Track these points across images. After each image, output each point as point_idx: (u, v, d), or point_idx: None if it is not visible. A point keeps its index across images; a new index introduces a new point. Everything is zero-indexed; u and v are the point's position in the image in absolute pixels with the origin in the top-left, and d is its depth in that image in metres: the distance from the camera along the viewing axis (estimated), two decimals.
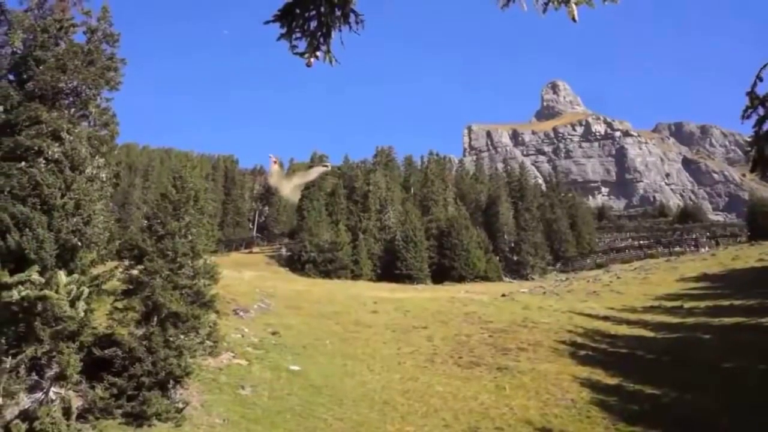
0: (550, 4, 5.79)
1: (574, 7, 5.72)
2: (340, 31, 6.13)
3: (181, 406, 23.99)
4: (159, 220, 27.85)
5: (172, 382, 24.52)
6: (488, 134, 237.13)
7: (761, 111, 5.23)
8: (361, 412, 26.13)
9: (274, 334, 36.19)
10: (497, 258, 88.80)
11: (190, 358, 25.10)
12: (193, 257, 27.53)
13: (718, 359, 32.13)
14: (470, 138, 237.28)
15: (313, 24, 6.07)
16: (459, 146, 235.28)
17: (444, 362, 33.72)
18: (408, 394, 28.61)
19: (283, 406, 26.11)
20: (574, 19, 5.82)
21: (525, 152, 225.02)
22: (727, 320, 40.95)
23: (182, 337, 25.31)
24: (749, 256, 69.32)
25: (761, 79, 5.13)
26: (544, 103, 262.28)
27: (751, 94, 5.17)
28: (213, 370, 28.81)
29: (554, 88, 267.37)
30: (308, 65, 6.20)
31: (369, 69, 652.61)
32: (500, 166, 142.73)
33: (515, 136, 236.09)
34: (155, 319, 25.22)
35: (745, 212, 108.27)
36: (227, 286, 39.04)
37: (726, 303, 46.23)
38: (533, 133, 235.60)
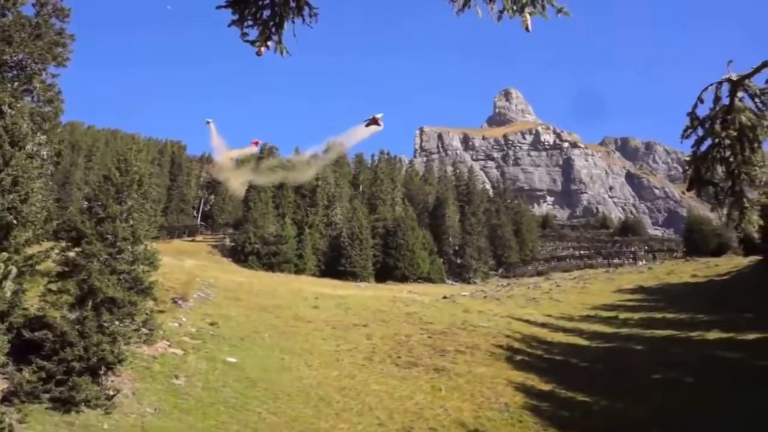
0: (505, 12, 5.82)
1: (528, 17, 5.77)
2: (293, 22, 6.05)
3: (111, 393, 23.51)
4: (100, 203, 27.23)
5: (103, 368, 24.00)
6: (440, 137, 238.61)
7: (700, 132, 5.36)
8: (295, 407, 26.02)
9: (212, 324, 35.74)
10: (441, 260, 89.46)
11: (124, 345, 24.62)
12: (134, 242, 27.00)
13: (648, 370, 33.06)
14: (422, 139, 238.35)
15: (266, 13, 5.98)
16: (410, 147, 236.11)
17: (382, 361, 33.82)
18: (344, 391, 28.61)
19: (217, 398, 25.81)
20: (527, 29, 5.86)
21: (475, 157, 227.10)
22: (659, 332, 42.15)
23: (117, 323, 24.81)
24: (684, 271, 71.44)
25: (702, 101, 5.26)
26: (497, 110, 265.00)
27: (692, 115, 5.30)
28: (147, 359, 28.30)
29: (507, 95, 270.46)
30: (258, 54, 6.12)
31: (324, 63, 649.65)
32: (450, 169, 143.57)
33: (466, 141, 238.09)
34: (90, 303, 24.64)
35: (683, 229, 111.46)
36: (167, 274, 38.37)
37: (659, 316, 47.58)
38: (484, 138, 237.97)
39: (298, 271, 75.14)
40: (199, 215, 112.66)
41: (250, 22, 5.92)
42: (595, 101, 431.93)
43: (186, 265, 54.22)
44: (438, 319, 44.37)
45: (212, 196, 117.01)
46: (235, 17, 5.85)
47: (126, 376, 25.68)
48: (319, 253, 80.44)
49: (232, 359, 30.67)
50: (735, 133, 5.40)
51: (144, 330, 26.99)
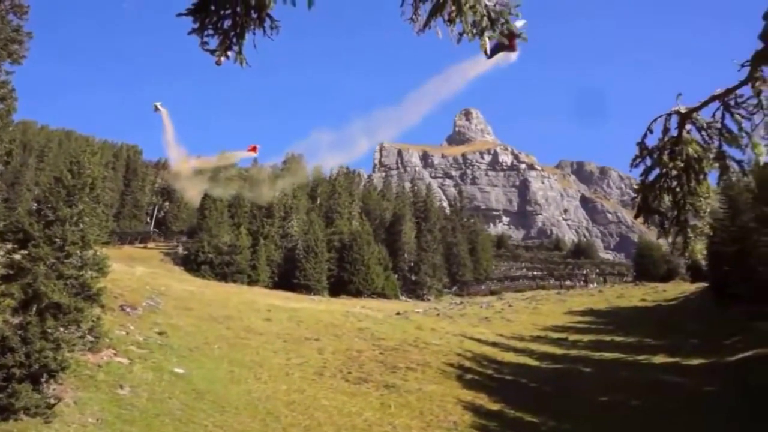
0: (465, 35, 5.88)
1: (487, 40, 5.83)
2: (254, 34, 6.03)
3: (52, 401, 22.85)
4: (50, 205, 26.59)
5: (45, 375, 23.33)
6: (399, 153, 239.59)
7: (649, 161, 5.48)
8: (243, 421, 25.66)
9: (160, 334, 35.11)
10: (396, 276, 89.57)
11: (68, 353, 23.98)
12: (83, 247, 26.41)
13: (596, 392, 33.53)
14: (381, 155, 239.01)
15: (227, 23, 5.94)
16: (370, 161, 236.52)
17: (332, 376, 33.63)
18: (293, 406, 28.34)
19: (162, 410, 25.30)
20: (485, 53, 5.93)
21: (433, 174, 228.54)
22: (607, 355, 42.82)
23: (62, 329, 24.16)
24: (633, 295, 72.85)
25: (651, 132, 5.39)
26: (456, 129, 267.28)
27: (641, 145, 5.43)
28: (91, 367, 27.62)
29: (467, 115, 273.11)
30: (218, 63, 6.08)
31: (286, 76, 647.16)
32: (408, 185, 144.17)
33: (425, 158, 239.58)
34: (34, 308, 23.97)
35: (634, 253, 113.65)
36: (116, 281, 37.65)
37: (608, 339, 48.34)
38: (443, 156, 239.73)
39: (252, 282, 74.41)
40: (153, 222, 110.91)
41: (210, 32, 5.88)
42: (554, 124, 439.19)
43: (137, 272, 53.27)
44: (390, 335, 44.34)
45: (167, 203, 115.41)
46: (196, 26, 5.79)
47: (68, 385, 25.00)
48: (274, 265, 79.84)
49: (179, 370, 30.14)
50: (682, 165, 5.54)
51: (89, 337, 26.34)
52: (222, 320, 42.07)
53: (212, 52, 5.96)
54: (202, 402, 26.92)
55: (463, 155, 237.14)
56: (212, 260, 75.86)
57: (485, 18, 5.78)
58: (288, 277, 76.38)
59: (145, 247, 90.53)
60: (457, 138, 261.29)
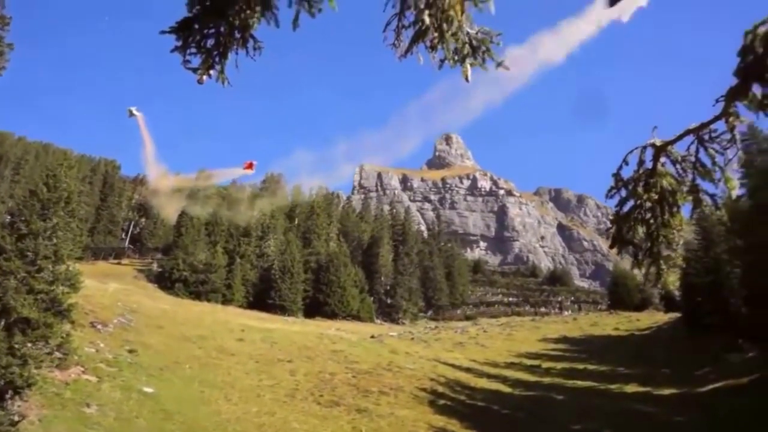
0: (447, 61, 5.92)
1: (468, 68, 5.88)
2: (236, 54, 6.03)
3: (16, 419, 22.38)
4: (23, 218, 26.27)
5: (10, 392, 22.86)
6: (379, 175, 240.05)
7: (624, 193, 5.52)
8: None
9: (131, 352, 34.59)
10: (372, 299, 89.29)
11: (35, 369, 23.54)
12: (55, 262, 26.07)
13: (568, 420, 33.52)
14: (361, 176, 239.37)
15: (210, 42, 5.93)
16: (349, 183, 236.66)
17: (304, 399, 33.31)
18: (263, 428, 28.00)
19: (129, 430, 24.87)
20: (467, 79, 5.97)
21: (412, 198, 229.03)
22: (580, 383, 42.93)
23: (30, 345, 23.74)
24: (607, 323, 73.29)
25: (627, 163, 5.45)
26: (437, 153, 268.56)
27: (616, 176, 5.47)
28: (58, 384, 27.10)
29: (447, 140, 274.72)
30: (200, 82, 6.06)
31: (268, 95, 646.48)
32: (386, 208, 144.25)
33: (405, 181, 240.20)
34: (2, 322, 23.56)
35: (608, 282, 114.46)
36: (88, 297, 37.14)
37: (581, 367, 48.48)
38: (422, 180, 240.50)
39: (226, 301, 73.75)
40: (128, 238, 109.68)
41: (193, 50, 5.86)
42: (533, 153, 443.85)
43: (109, 288, 52.57)
44: (364, 358, 44.08)
45: (143, 219, 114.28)
46: (179, 44, 5.78)
47: (34, 402, 24.50)
48: (249, 285, 79.27)
49: (148, 389, 29.67)
50: (656, 197, 5.58)
51: (58, 354, 25.90)
52: (194, 340, 41.59)
53: (194, 70, 5.94)
54: (170, 422, 26.50)
55: (443, 179, 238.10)
56: (187, 278, 75.12)
57: (467, 45, 5.83)
58: (263, 298, 75.84)
59: (119, 264, 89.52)
60: (437, 162, 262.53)
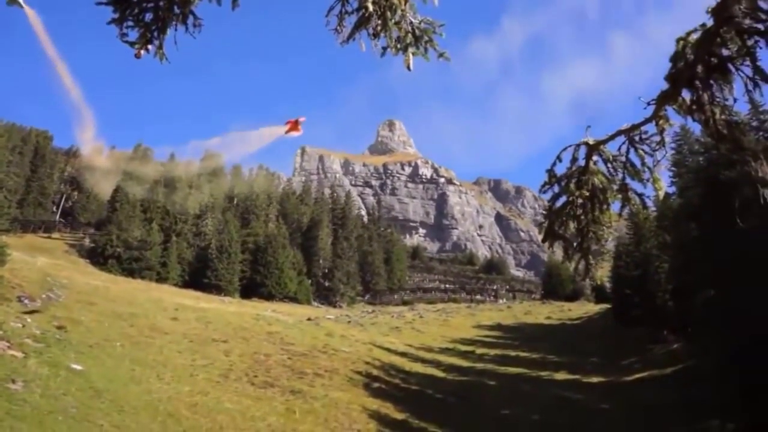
0: (389, 49, 5.97)
1: (410, 56, 5.94)
2: (176, 29, 5.94)
3: None
4: None
5: None
6: (321, 158, 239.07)
7: (556, 189, 5.70)
8: (141, 422, 24.89)
9: (59, 328, 33.68)
10: (309, 281, 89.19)
11: None
12: None
13: (498, 405, 34.35)
14: (302, 159, 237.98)
15: (149, 16, 5.84)
16: (290, 165, 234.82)
17: (238, 379, 33.10)
18: (195, 408, 27.70)
19: (56, 407, 24.24)
20: (408, 68, 6.03)
21: (353, 182, 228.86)
22: (511, 369, 43.97)
23: None
24: (540, 312, 75.11)
25: (561, 160, 5.62)
26: (379, 139, 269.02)
27: (550, 172, 5.64)
28: None
29: (390, 126, 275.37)
30: (137, 56, 5.98)
31: (210, 76, 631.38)
32: (327, 191, 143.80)
33: (346, 165, 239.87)
34: None
35: (543, 272, 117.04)
36: (15, 270, 36.08)
37: (513, 353, 49.62)
38: (364, 165, 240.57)
39: (161, 279, 72.53)
40: (59, 211, 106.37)
41: (130, 23, 5.76)
42: (475, 143, 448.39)
43: (38, 262, 51.03)
44: (300, 340, 44.03)
45: (75, 193, 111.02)
46: (116, 16, 5.67)
47: None
48: (185, 263, 78.12)
49: (77, 366, 28.97)
50: (587, 194, 5.78)
51: None
52: (126, 317, 40.74)
53: (131, 44, 5.83)
54: (99, 400, 25.96)
55: (384, 165, 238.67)
56: (120, 255, 73.52)
57: (410, 35, 5.89)
58: (199, 277, 74.91)
59: (49, 237, 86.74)
60: (379, 148, 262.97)
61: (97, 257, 73.95)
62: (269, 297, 77.04)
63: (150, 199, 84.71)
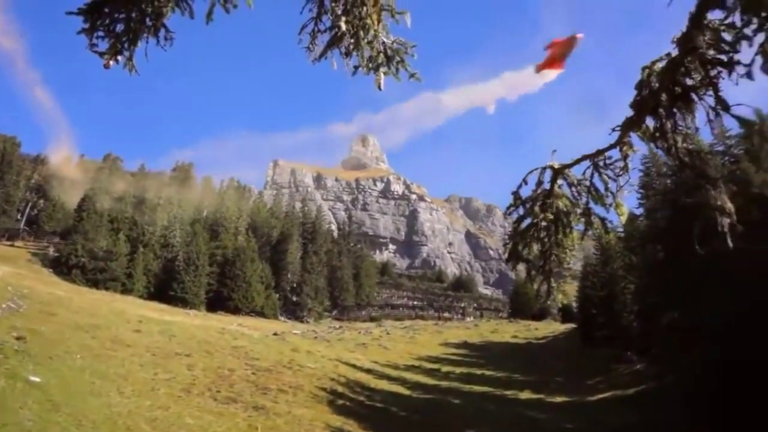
0: (361, 68, 5.97)
1: (381, 76, 5.95)
2: (146, 42, 5.90)
3: None
4: None
5: None
6: (293, 172, 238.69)
7: (521, 211, 5.72)
8: None
9: (18, 339, 32.89)
10: (277, 296, 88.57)
11: None
12: None
13: (462, 424, 34.24)
14: (274, 172, 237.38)
15: (120, 27, 5.78)
16: (262, 178, 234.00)
17: (200, 394, 32.62)
18: (155, 423, 27.20)
19: (11, 420, 23.65)
20: (379, 88, 6.04)
21: (325, 196, 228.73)
22: (477, 388, 43.96)
23: None
24: (506, 331, 75.37)
25: (526, 183, 5.65)
26: (353, 154, 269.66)
27: (515, 195, 5.68)
28: None
29: (364, 141, 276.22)
30: (106, 66, 5.92)
31: (176, 96, 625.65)
32: (298, 205, 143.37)
33: (319, 179, 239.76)
34: None
35: (510, 291, 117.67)
36: None
37: (479, 372, 49.65)
38: (336, 179, 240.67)
39: (126, 291, 71.40)
40: (24, 219, 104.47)
41: (101, 34, 5.70)
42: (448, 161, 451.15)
43: None
44: (265, 355, 43.60)
45: (41, 201, 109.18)
46: (86, 26, 5.61)
47: None
48: (151, 275, 77.06)
49: (35, 378, 28.30)
50: (551, 217, 5.81)
51: None
52: (88, 329, 39.98)
53: (101, 54, 5.76)
54: (57, 414, 25.38)
55: (357, 180, 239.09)
56: (85, 265, 72.26)
57: (381, 54, 5.91)
58: (165, 289, 73.94)
59: (12, 246, 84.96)
60: (352, 162, 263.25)
61: (61, 267, 72.60)
62: (236, 311, 76.30)
63: (118, 209, 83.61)
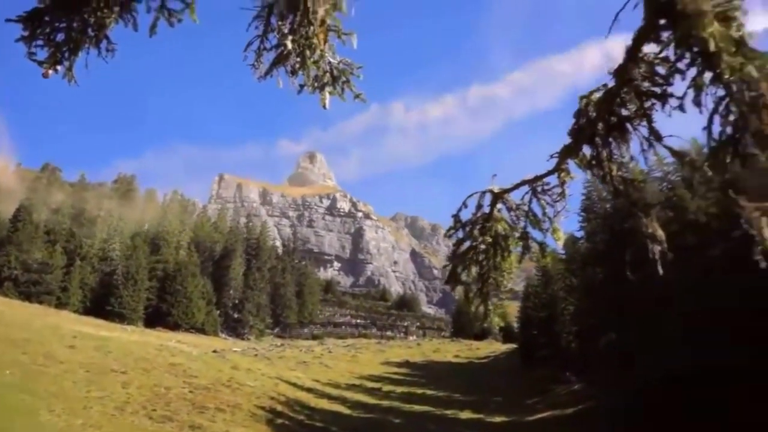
0: (306, 87, 5.98)
1: (327, 95, 5.97)
2: (88, 52, 5.78)
3: None
4: None
5: None
6: (239, 186, 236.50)
7: (461, 234, 5.79)
8: None
9: None
10: (218, 312, 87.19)
11: None
12: None
13: None
14: (219, 186, 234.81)
15: (61, 36, 5.65)
16: (207, 192, 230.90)
17: (135, 413, 31.77)
18: None
19: None
20: (324, 107, 6.05)
21: (270, 212, 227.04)
22: (417, 407, 44.00)
23: None
24: (448, 350, 75.79)
25: (466, 206, 5.72)
26: (299, 170, 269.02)
27: (456, 218, 5.74)
28: None
29: (311, 158, 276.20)
30: (45, 76, 5.76)
31: (129, 98, 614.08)
32: (243, 220, 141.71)
33: (264, 195, 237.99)
34: None
35: (453, 310, 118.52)
36: None
37: (420, 391, 49.73)
38: (282, 195, 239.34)
39: (60, 305, 69.28)
40: None
41: (40, 42, 5.57)
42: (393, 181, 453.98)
43: None
44: (203, 373, 42.79)
45: None
46: (25, 33, 5.47)
47: None
48: (87, 289, 75.01)
49: None
50: (490, 240, 5.89)
51: None
52: (20, 344, 38.61)
53: (40, 63, 5.63)
54: None
55: (303, 197, 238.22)
56: (18, 277, 69.90)
57: (327, 74, 5.92)
58: (102, 304, 72.04)
59: None
60: (299, 179, 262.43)
61: None
62: (175, 327, 74.77)
63: (55, 220, 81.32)
